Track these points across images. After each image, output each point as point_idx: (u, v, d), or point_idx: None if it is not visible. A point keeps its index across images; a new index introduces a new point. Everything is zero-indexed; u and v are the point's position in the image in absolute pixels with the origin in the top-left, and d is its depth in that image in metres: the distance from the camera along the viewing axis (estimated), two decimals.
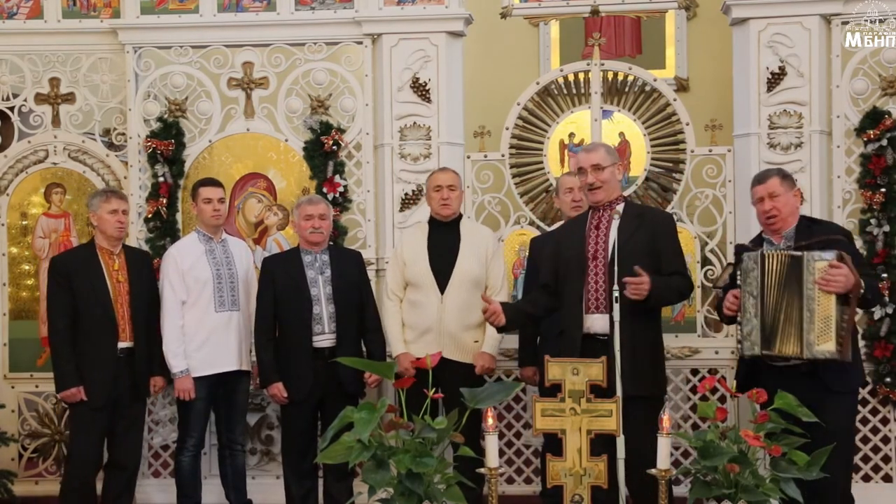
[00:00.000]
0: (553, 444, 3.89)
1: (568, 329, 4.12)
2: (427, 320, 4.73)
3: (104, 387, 4.67)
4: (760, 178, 4.14)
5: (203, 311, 4.87)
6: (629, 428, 3.45)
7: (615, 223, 4.05)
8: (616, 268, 3.85)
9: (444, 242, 4.80)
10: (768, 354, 3.93)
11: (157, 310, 4.92)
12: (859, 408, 4.89)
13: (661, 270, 4.02)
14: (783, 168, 4.33)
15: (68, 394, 4.66)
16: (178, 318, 4.85)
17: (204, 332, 4.86)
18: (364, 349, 4.92)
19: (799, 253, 3.86)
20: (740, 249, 4.15)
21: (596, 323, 4.00)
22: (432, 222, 4.89)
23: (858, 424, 5.09)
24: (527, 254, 5.34)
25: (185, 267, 4.87)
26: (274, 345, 4.84)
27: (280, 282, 4.81)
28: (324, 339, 4.78)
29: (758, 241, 4.15)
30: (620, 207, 4.10)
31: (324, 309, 4.79)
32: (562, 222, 5.07)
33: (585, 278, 4.04)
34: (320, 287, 4.81)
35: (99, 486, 4.90)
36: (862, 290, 3.80)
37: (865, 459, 5.18)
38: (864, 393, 5.09)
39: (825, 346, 3.77)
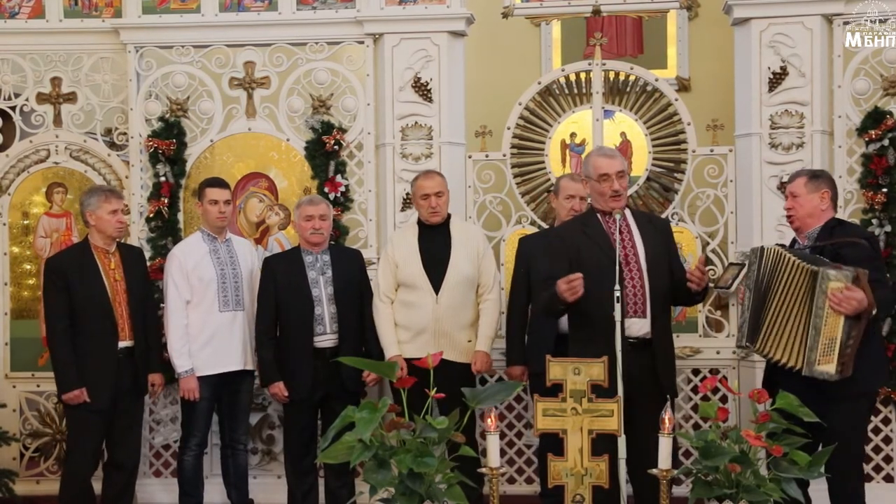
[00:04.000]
0: (549, 444, 3.89)
1: (604, 333, 3.88)
2: (422, 321, 4.73)
3: (107, 387, 4.65)
4: (792, 177, 4.20)
5: (207, 310, 4.87)
6: (645, 427, 3.55)
7: (634, 228, 4.09)
8: (651, 273, 4.00)
9: (435, 243, 4.81)
10: (748, 347, 3.97)
11: (152, 307, 4.92)
12: None
13: (672, 272, 4.10)
14: (822, 171, 4.32)
15: (71, 396, 4.61)
16: (183, 318, 4.85)
17: (208, 331, 4.86)
18: (364, 347, 4.92)
19: (815, 267, 3.80)
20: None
21: (634, 326, 4.00)
22: (422, 223, 4.89)
23: None
24: None
25: (189, 266, 4.87)
26: (275, 344, 4.84)
27: (281, 282, 4.81)
28: (325, 339, 4.79)
29: (793, 242, 4.20)
30: (629, 213, 4.15)
31: (325, 310, 4.79)
32: (554, 224, 5.07)
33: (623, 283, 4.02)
34: (321, 288, 4.81)
35: (98, 486, 4.90)
36: (874, 311, 3.77)
37: (866, 460, 5.16)
38: None
39: (825, 367, 3.75)
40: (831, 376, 3.75)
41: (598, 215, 4.13)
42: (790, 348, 3.86)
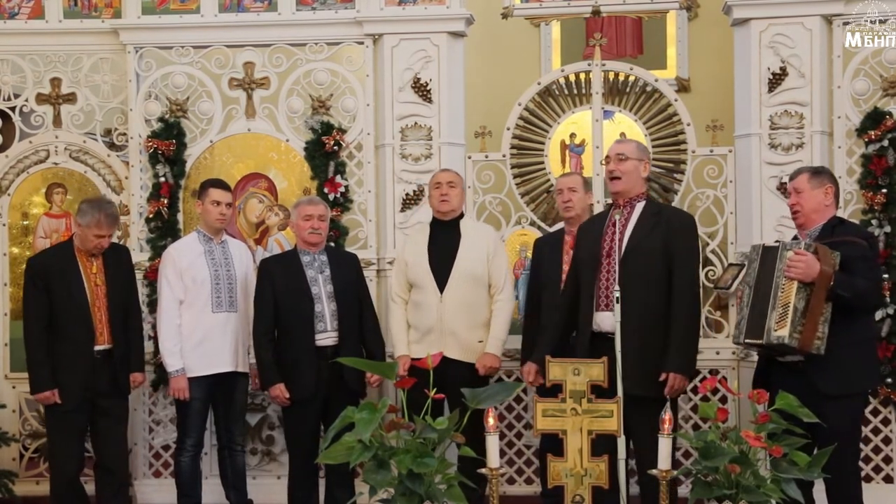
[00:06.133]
0: (550, 444, 3.89)
1: (581, 327, 4.13)
2: (429, 320, 4.73)
3: (77, 389, 4.66)
4: (793, 174, 4.21)
5: (200, 311, 4.86)
6: (635, 429, 3.49)
7: (633, 221, 4.07)
8: (624, 266, 3.93)
9: (444, 241, 4.80)
10: (750, 342, 3.98)
11: (136, 308, 4.95)
12: None
13: (672, 272, 4.02)
14: (823, 167, 4.35)
15: (42, 396, 4.67)
16: (175, 317, 4.84)
17: (200, 332, 4.85)
18: (364, 349, 4.91)
19: (776, 244, 3.94)
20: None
21: (605, 321, 3.99)
22: (434, 222, 4.89)
23: None
24: (528, 254, 5.35)
25: (182, 266, 4.86)
26: (274, 346, 4.83)
27: (279, 282, 4.80)
28: (326, 337, 4.77)
29: (793, 239, 4.21)
30: (640, 205, 4.11)
31: (325, 307, 4.78)
32: (561, 224, 5.08)
33: (598, 276, 4.04)
34: (321, 286, 4.80)
35: (91, 489, 4.90)
36: (831, 284, 3.76)
37: (866, 460, 5.16)
38: None
39: (779, 332, 3.79)
40: (783, 340, 3.75)
41: (611, 208, 4.18)
42: (759, 324, 3.88)
